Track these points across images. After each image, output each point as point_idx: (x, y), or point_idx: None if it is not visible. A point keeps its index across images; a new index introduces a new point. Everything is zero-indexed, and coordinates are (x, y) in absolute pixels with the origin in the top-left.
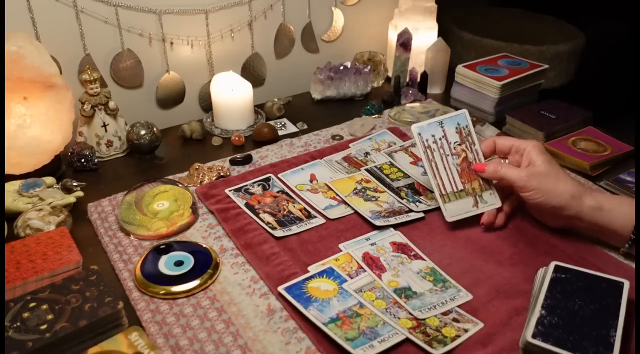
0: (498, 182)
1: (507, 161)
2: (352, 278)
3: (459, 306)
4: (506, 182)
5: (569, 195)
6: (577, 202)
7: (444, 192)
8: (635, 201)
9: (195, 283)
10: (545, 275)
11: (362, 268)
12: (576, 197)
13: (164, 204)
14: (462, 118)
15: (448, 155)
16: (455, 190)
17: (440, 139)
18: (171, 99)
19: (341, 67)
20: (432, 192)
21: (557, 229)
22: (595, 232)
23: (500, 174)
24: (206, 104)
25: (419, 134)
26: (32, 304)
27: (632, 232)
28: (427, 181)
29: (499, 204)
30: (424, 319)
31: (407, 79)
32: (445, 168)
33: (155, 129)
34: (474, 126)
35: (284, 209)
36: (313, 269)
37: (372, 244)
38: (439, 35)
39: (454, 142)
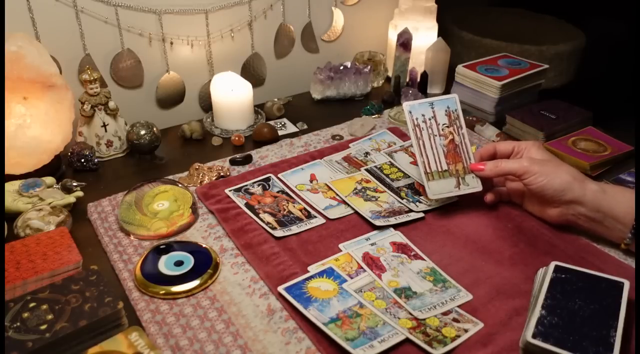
0: (496, 181)
1: None
2: (352, 278)
3: (459, 306)
4: (508, 174)
5: (571, 177)
6: (580, 185)
7: (428, 171)
8: (635, 202)
9: (195, 283)
10: (545, 275)
11: (362, 268)
12: (579, 180)
13: (164, 204)
14: (452, 102)
15: (436, 135)
16: (440, 170)
17: (429, 119)
18: (171, 99)
19: (341, 67)
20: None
21: (557, 229)
22: (596, 223)
23: (501, 168)
24: (206, 104)
25: (410, 112)
26: (32, 304)
27: (632, 226)
28: None
29: (480, 188)
30: (424, 319)
31: (407, 79)
32: (432, 147)
33: (155, 129)
34: (473, 127)
35: (284, 209)
36: (313, 269)
37: (372, 244)
38: (439, 35)
39: (443, 124)
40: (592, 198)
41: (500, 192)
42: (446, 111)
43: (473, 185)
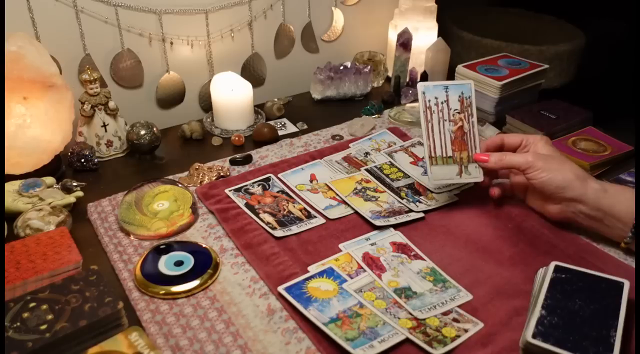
0: (501, 173)
1: None
2: (352, 278)
3: (459, 306)
4: (512, 168)
5: (574, 175)
6: (582, 184)
7: (433, 155)
8: (635, 202)
9: (195, 283)
10: (545, 275)
11: (362, 268)
12: (581, 178)
13: (164, 204)
14: (467, 88)
15: (446, 120)
16: (445, 155)
17: (442, 102)
18: (171, 99)
19: (341, 67)
20: (430, 191)
21: (557, 229)
22: (597, 221)
23: (506, 162)
24: (206, 104)
25: (424, 93)
26: (32, 304)
27: (632, 226)
28: (427, 180)
29: (481, 178)
30: (424, 319)
31: (407, 79)
32: (440, 132)
33: (155, 129)
34: None
35: (284, 209)
36: (313, 269)
37: (372, 244)
38: (439, 35)
39: (454, 110)
40: (593, 197)
41: (504, 185)
42: (459, 96)
43: (475, 175)
